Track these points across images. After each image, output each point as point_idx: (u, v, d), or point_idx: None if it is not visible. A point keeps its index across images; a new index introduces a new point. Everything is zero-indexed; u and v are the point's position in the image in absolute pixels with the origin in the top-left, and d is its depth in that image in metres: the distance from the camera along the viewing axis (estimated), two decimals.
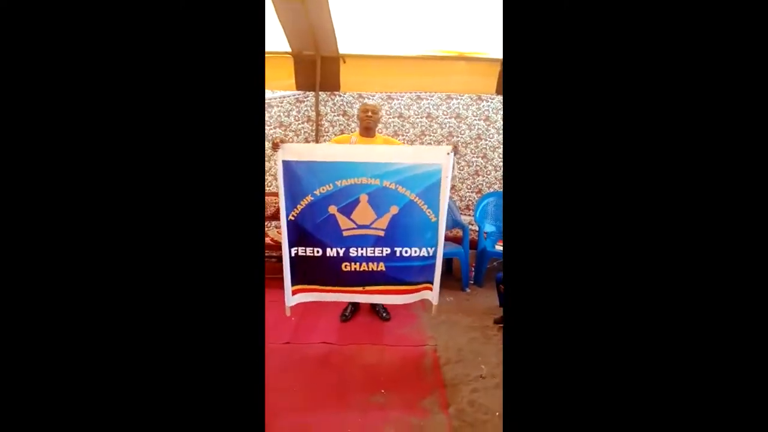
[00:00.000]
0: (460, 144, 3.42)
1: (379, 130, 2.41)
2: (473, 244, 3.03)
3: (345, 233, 1.86)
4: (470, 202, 3.49)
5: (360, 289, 1.94)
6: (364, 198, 1.83)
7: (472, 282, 2.84)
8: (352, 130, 3.37)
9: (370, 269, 1.91)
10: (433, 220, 1.85)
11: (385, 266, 1.91)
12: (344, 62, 3.14)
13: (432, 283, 1.94)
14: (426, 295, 1.97)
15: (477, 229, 3.05)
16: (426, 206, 1.84)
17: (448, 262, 3.04)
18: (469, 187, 3.53)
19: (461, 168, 3.49)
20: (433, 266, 1.91)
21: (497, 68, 3.09)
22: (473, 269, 2.88)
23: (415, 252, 1.90)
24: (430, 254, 1.90)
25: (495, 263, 2.88)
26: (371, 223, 1.86)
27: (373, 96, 3.35)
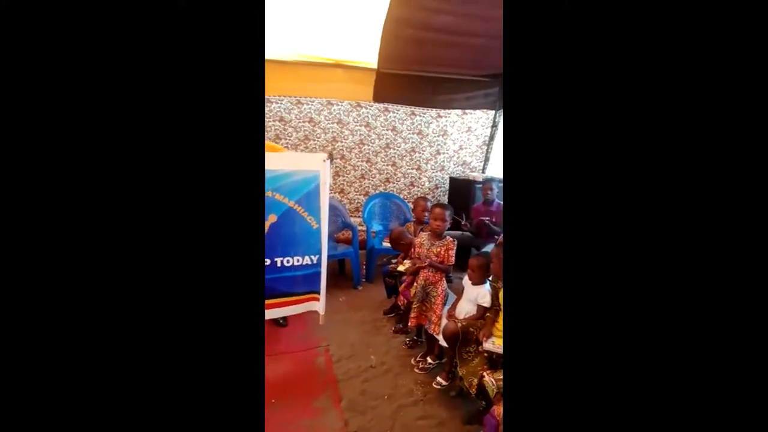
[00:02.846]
0: (344, 149, 3.53)
1: None
2: (363, 244, 3.15)
3: None
4: (358, 204, 3.62)
5: None
6: None
7: (363, 279, 2.94)
8: None
9: None
10: (315, 227, 1.80)
11: (266, 279, 1.79)
12: None
13: (318, 292, 1.87)
14: (313, 306, 1.90)
15: (365, 228, 3.17)
16: (306, 213, 1.78)
17: (340, 262, 3.09)
18: (356, 189, 3.65)
19: (347, 172, 3.59)
20: (318, 275, 1.84)
21: (373, 77, 3.29)
22: (364, 267, 2.99)
23: (298, 261, 1.81)
24: (314, 262, 1.83)
25: (384, 260, 3.04)
26: None
27: None
